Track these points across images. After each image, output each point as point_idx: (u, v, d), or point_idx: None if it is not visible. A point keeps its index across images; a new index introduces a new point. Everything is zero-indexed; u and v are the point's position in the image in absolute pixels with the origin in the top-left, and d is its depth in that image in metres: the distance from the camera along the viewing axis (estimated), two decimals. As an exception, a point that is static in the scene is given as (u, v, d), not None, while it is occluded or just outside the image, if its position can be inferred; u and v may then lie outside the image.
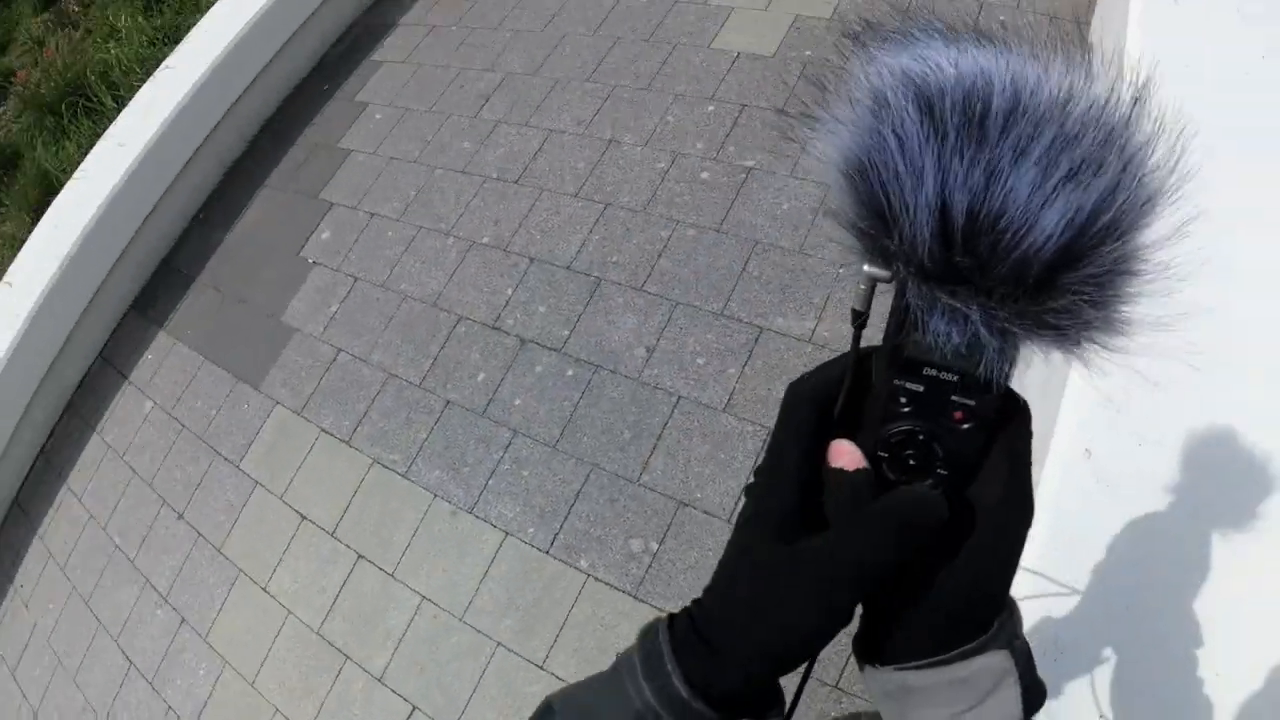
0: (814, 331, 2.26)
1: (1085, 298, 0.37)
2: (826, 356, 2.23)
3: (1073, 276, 0.36)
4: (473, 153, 3.04)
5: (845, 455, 0.42)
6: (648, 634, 0.45)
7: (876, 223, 0.38)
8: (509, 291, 2.63)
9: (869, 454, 0.43)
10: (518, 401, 2.43)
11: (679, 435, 2.22)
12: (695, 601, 0.45)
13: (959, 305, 0.37)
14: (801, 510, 0.42)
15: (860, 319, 0.44)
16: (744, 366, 2.26)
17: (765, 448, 0.45)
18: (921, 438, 0.41)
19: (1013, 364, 0.39)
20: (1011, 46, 0.40)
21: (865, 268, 0.41)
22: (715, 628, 0.43)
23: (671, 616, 0.45)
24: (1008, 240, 0.36)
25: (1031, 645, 0.45)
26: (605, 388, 2.35)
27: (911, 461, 0.42)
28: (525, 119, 3.05)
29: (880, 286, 0.41)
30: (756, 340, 2.29)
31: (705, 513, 2.09)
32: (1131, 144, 0.37)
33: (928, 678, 0.42)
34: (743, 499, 0.45)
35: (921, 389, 0.41)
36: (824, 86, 0.42)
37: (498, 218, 2.82)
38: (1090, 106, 0.37)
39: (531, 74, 3.19)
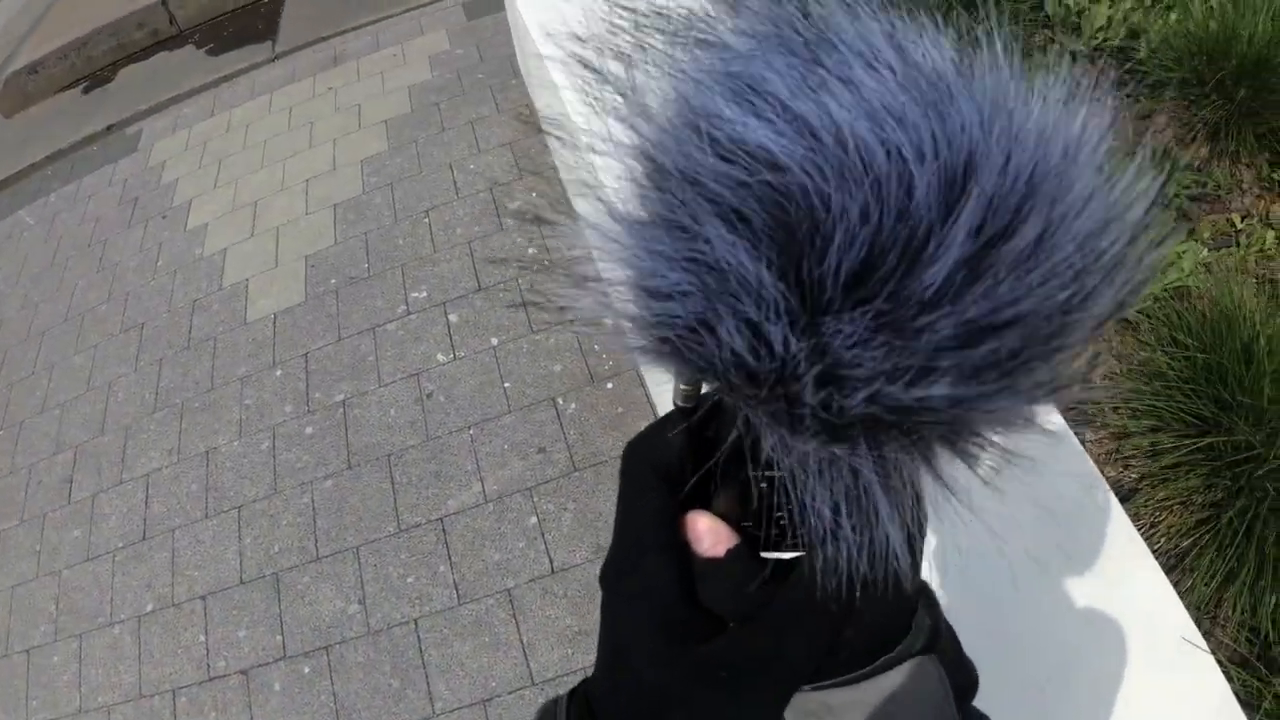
0: (484, 492, 2.42)
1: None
2: (506, 508, 2.44)
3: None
4: (87, 537, 2.84)
5: (707, 538, 0.35)
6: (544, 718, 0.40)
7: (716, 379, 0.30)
8: (201, 639, 2.50)
9: (732, 520, 0.35)
10: (279, 729, 2.32)
11: (439, 651, 2.24)
12: (587, 708, 0.38)
13: (842, 456, 0.28)
14: (682, 591, 0.36)
15: (689, 414, 0.36)
16: (449, 558, 2.35)
17: (615, 531, 0.38)
18: (791, 507, 0.34)
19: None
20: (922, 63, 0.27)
21: (681, 386, 0.33)
22: None
23: (571, 694, 0.39)
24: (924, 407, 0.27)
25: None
26: (346, 660, 2.32)
27: (783, 521, 0.35)
28: (117, 478, 2.91)
29: None
30: (444, 530, 2.39)
31: (510, 693, 2.14)
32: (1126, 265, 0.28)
33: (845, 695, 0.38)
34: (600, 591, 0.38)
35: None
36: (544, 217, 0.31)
37: (148, 581, 2.66)
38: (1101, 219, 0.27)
39: (99, 435, 3.06)
